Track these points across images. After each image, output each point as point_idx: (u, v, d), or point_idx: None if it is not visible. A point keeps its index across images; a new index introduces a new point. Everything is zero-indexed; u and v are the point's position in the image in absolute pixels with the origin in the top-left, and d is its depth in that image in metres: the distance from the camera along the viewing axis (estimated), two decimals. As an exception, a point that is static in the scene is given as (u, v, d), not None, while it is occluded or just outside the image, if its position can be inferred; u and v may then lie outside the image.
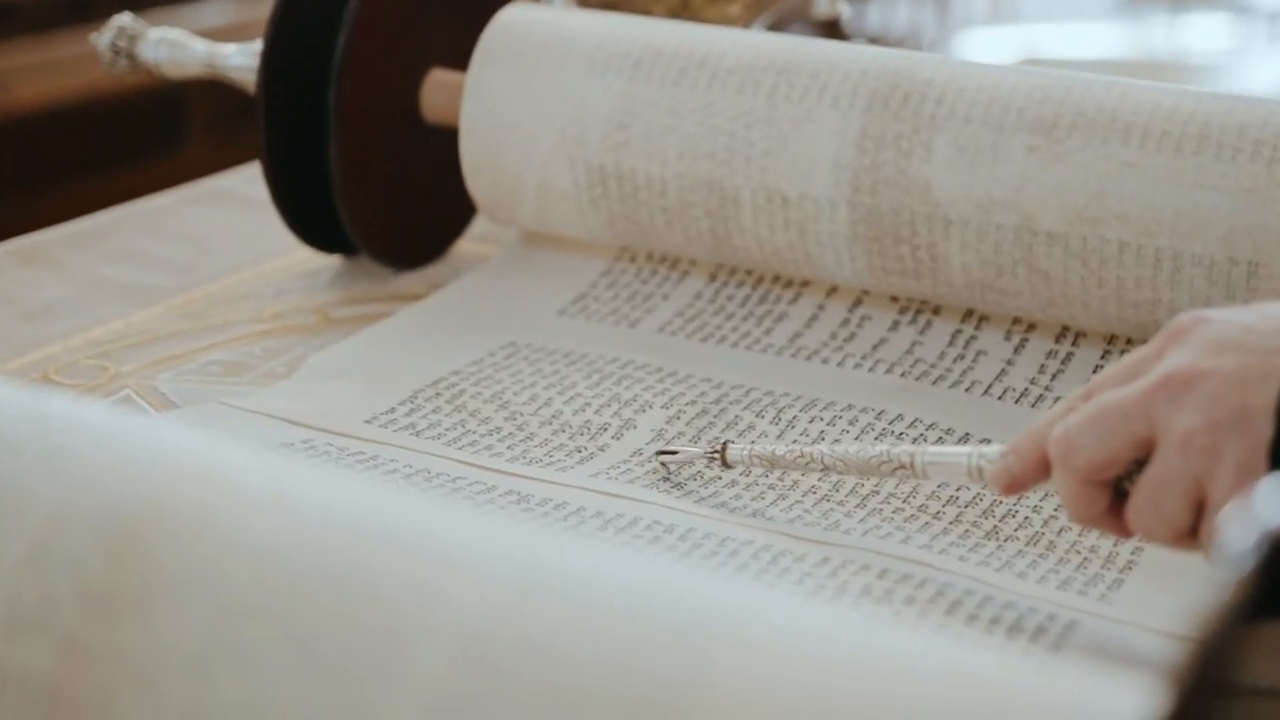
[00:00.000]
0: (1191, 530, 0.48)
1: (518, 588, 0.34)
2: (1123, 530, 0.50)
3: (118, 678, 0.35)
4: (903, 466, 0.56)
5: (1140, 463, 0.49)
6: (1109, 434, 0.49)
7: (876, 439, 0.65)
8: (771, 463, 0.59)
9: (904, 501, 0.61)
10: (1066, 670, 0.35)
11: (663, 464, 0.62)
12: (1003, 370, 0.70)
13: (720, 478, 0.62)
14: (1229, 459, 0.47)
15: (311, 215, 0.81)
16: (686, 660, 0.33)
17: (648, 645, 0.33)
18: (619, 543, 0.57)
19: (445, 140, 0.79)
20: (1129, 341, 0.70)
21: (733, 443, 0.60)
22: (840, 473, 0.58)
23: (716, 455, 0.60)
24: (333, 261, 0.84)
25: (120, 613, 0.35)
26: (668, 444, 0.65)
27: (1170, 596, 0.56)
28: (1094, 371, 0.70)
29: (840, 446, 0.58)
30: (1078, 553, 0.58)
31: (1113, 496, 0.50)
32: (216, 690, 0.34)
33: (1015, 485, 0.52)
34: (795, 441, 0.63)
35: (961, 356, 0.71)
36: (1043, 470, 0.51)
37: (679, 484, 0.62)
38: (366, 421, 0.66)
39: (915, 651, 0.33)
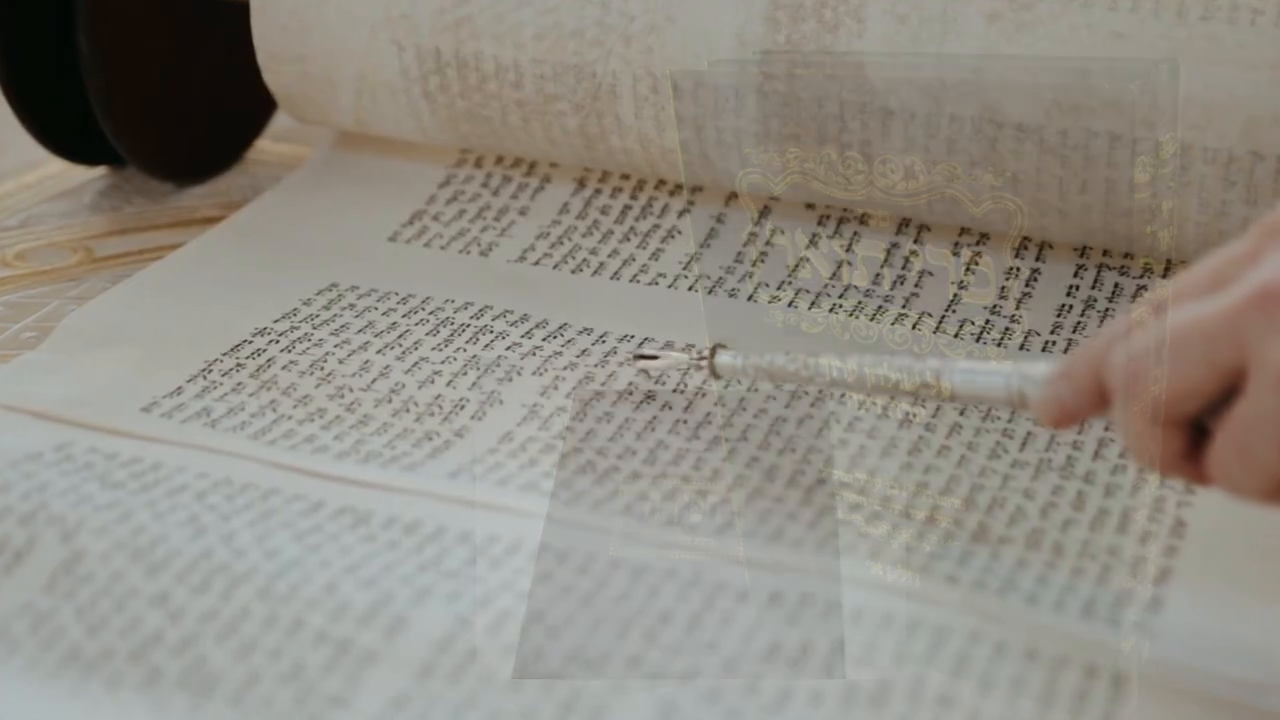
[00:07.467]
0: None
1: None
2: (1201, 478, 0.40)
3: None
4: (926, 385, 0.45)
5: (1226, 396, 0.38)
6: (1187, 362, 0.39)
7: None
8: (770, 375, 0.48)
9: (859, 492, 0.47)
10: None
11: (642, 370, 0.51)
12: (955, 296, 0.56)
13: (618, 469, 0.47)
14: None
15: (63, 117, 0.63)
16: None
17: None
18: (498, 585, 0.42)
19: (234, 18, 0.62)
20: (1105, 253, 0.57)
21: (724, 348, 0.49)
22: (849, 389, 0.47)
23: (703, 363, 0.50)
24: (96, 177, 0.66)
25: None
26: (545, 423, 0.50)
27: (1228, 620, 0.43)
28: (1068, 293, 0.56)
29: (853, 359, 0.46)
30: (1093, 557, 0.45)
31: (1191, 436, 0.40)
32: None
33: (1067, 418, 0.42)
34: (791, 354, 0.48)
35: (902, 279, 0.57)
36: (1100, 401, 0.41)
37: (572, 488, 0.47)
38: (144, 410, 0.50)
39: None
